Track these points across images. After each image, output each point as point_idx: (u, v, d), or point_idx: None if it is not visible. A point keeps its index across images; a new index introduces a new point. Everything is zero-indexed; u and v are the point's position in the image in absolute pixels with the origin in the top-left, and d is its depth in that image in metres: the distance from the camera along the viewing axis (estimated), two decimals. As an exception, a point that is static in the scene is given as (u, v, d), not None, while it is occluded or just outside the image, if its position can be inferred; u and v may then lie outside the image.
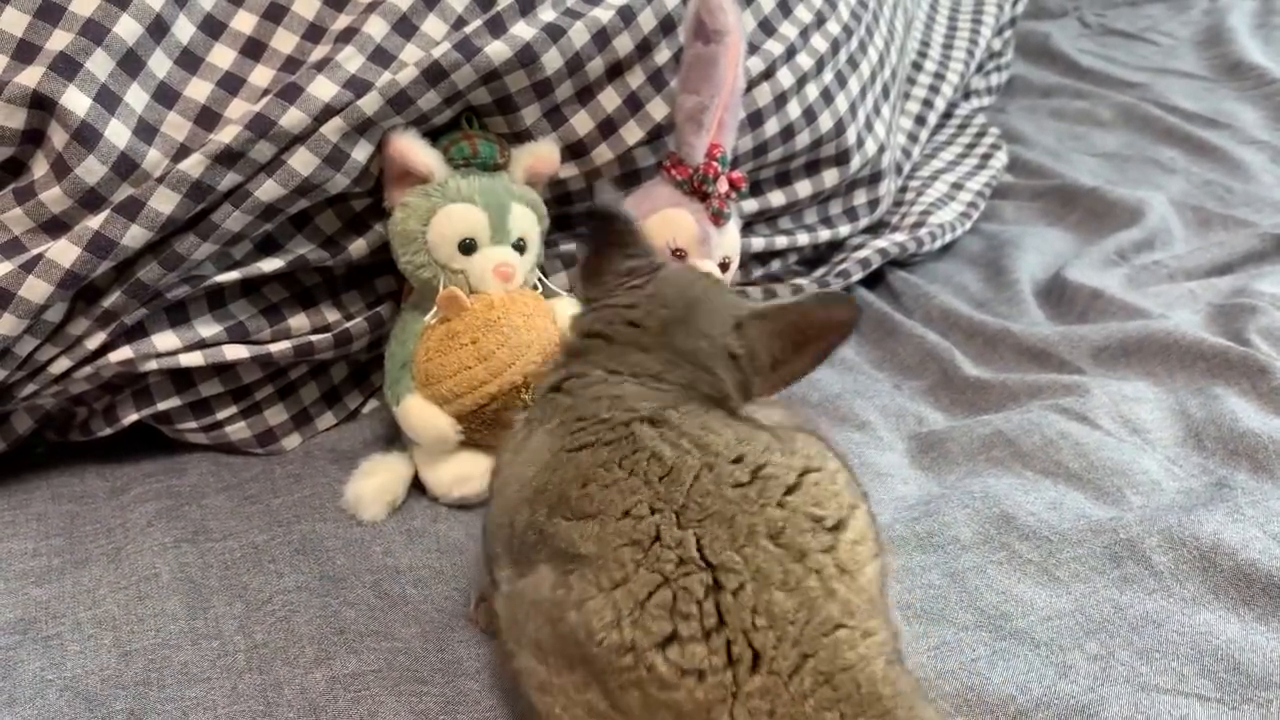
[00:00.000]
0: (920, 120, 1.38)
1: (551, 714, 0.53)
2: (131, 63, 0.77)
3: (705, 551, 0.50)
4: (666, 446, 0.54)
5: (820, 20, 1.08)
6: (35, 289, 0.74)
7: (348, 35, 0.83)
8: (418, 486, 0.85)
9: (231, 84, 0.83)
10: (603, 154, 0.95)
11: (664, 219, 0.89)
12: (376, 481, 0.83)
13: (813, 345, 0.62)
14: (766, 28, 1.03)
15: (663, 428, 0.55)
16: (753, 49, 1.00)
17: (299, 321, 0.90)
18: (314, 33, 0.86)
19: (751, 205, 1.07)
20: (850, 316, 0.62)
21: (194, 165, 0.76)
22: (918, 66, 1.45)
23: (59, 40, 0.75)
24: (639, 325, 0.63)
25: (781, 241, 1.09)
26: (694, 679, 0.49)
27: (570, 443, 0.57)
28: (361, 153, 0.82)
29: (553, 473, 0.56)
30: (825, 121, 1.06)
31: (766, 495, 0.52)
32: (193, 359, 0.83)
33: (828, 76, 1.08)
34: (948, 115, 1.49)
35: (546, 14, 0.89)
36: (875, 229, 1.21)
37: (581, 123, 0.93)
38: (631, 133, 0.94)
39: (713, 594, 0.49)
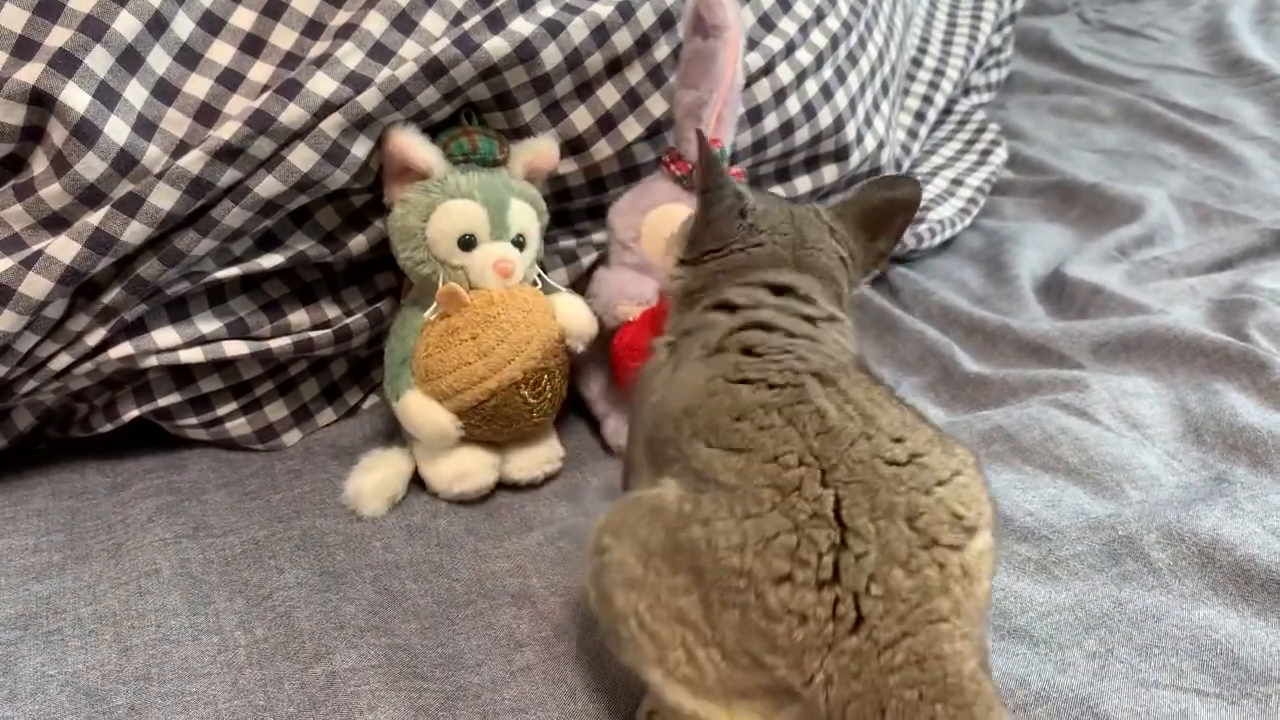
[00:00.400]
0: (920, 116, 1.38)
1: (634, 610, 0.54)
2: (131, 59, 0.77)
3: (842, 513, 0.51)
4: (832, 407, 0.55)
5: (820, 16, 1.07)
6: (35, 285, 0.74)
7: (347, 31, 0.83)
8: (418, 482, 0.86)
9: (231, 80, 0.83)
10: (602, 150, 0.95)
11: (663, 214, 0.89)
12: (376, 477, 0.83)
13: (886, 227, 0.71)
14: (766, 23, 1.03)
15: (830, 388, 0.56)
16: (752, 44, 1.00)
17: (299, 317, 0.90)
18: (313, 29, 0.86)
19: (751, 201, 1.07)
20: (912, 193, 0.71)
21: (194, 161, 0.76)
22: (917, 63, 1.45)
23: (58, 37, 0.75)
24: (777, 255, 0.67)
25: (781, 237, 1.09)
26: (797, 620, 0.50)
27: (732, 374, 0.58)
28: (361, 149, 0.82)
29: (708, 397, 0.57)
30: (825, 117, 1.06)
31: (917, 481, 0.53)
32: (193, 355, 0.83)
33: (827, 72, 1.07)
34: (947, 111, 1.49)
35: (546, 10, 0.89)
36: (875, 225, 1.21)
37: (581, 118, 0.93)
38: (631, 128, 0.94)
39: (835, 551, 0.51)
